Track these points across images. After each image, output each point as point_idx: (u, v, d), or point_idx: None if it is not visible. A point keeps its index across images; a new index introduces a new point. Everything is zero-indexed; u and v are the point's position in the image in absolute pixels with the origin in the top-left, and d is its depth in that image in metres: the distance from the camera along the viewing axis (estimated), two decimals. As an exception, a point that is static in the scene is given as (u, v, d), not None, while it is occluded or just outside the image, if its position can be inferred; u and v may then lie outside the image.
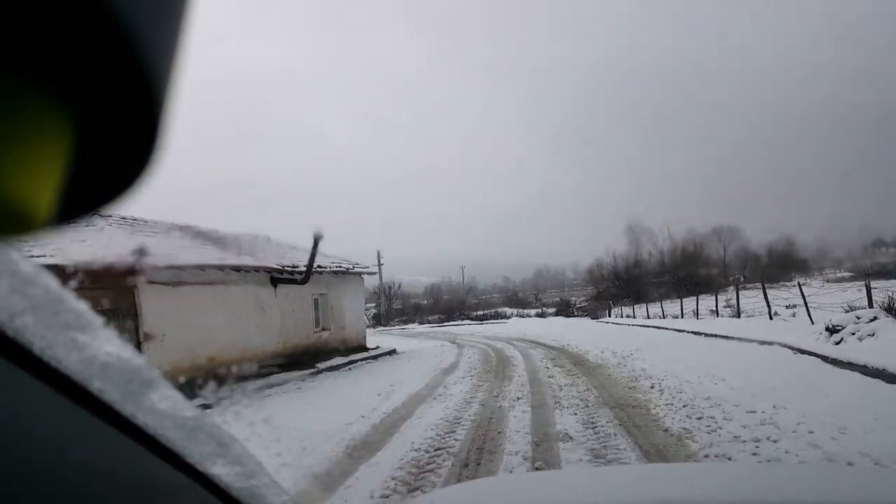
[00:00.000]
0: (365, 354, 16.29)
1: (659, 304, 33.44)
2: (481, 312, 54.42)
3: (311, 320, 15.09)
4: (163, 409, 0.59)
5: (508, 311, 54.90)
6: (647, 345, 14.52)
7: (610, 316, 39.32)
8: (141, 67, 0.22)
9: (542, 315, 48.85)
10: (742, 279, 55.56)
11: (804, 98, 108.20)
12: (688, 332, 19.96)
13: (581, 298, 57.95)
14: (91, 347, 0.52)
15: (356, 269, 17.72)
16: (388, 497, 4.33)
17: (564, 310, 50.29)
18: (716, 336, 16.00)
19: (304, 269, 13.34)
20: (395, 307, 64.67)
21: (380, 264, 60.54)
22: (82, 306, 0.53)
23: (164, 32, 0.24)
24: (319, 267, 14.96)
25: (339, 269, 16.41)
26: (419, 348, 19.72)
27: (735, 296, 20.32)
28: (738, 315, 20.08)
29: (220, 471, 0.67)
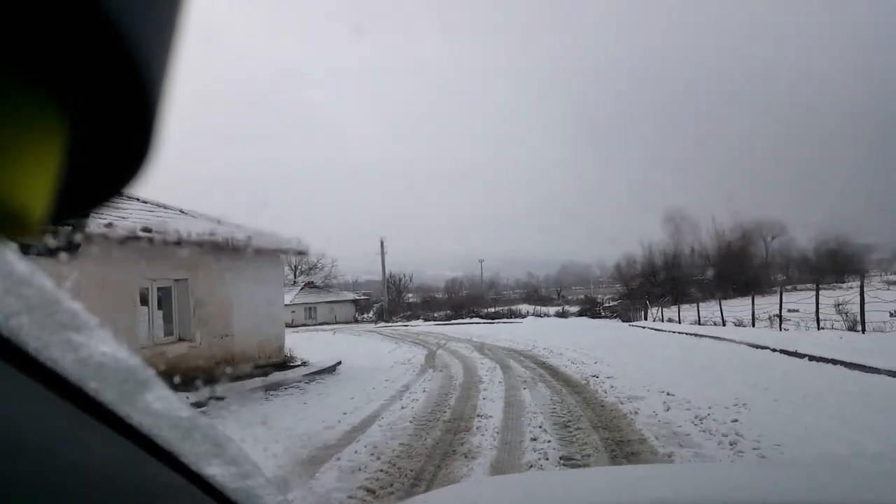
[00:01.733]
0: (258, 383, 9.72)
1: (706, 305, 26.09)
2: (493, 310, 47.46)
3: (133, 326, 8.57)
4: (158, 410, 0.59)
5: (525, 308, 47.94)
6: (758, 391, 7.72)
7: (646, 318, 32.15)
8: (135, 66, 0.22)
9: (563, 315, 41.92)
10: (786, 278, 48.68)
11: (849, 93, 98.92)
12: (773, 349, 13.25)
13: (608, 297, 50.75)
14: (87, 348, 0.52)
15: (258, 245, 11.14)
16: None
17: (590, 309, 43.27)
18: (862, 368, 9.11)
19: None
20: (407, 300, 58.60)
21: (383, 254, 54.44)
22: (77, 307, 0.53)
23: (159, 31, 0.23)
24: (156, 234, 8.43)
25: (215, 240, 9.82)
26: (375, 365, 13.15)
27: (860, 296, 13.20)
28: (863, 327, 13.05)
29: (215, 471, 0.65)
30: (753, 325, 19.26)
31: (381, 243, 54.11)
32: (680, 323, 25.90)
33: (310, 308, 50.61)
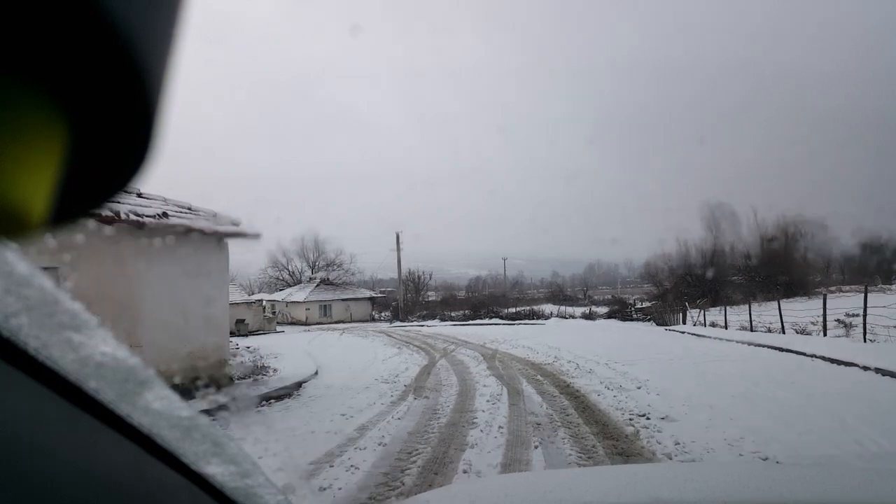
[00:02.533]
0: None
1: (751, 308, 22.43)
2: (514, 310, 44.26)
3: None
4: (158, 409, 0.58)
5: (549, 309, 44.63)
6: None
7: (684, 322, 28.74)
8: (135, 65, 0.22)
9: (590, 316, 38.57)
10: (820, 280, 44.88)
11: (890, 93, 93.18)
12: (864, 367, 10.20)
13: (636, 297, 47.08)
14: (86, 347, 0.52)
15: (184, 224, 8.28)
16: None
17: (620, 311, 39.74)
18: None
19: None
20: (426, 299, 55.85)
21: (399, 250, 51.56)
22: (77, 307, 0.52)
23: (159, 30, 0.23)
24: None
25: (105, 214, 6.96)
26: (351, 382, 10.24)
27: None
28: None
29: (214, 470, 0.65)
30: (825, 334, 15.89)
31: (397, 237, 51.39)
32: (726, 328, 22.49)
33: (325, 306, 48.43)
